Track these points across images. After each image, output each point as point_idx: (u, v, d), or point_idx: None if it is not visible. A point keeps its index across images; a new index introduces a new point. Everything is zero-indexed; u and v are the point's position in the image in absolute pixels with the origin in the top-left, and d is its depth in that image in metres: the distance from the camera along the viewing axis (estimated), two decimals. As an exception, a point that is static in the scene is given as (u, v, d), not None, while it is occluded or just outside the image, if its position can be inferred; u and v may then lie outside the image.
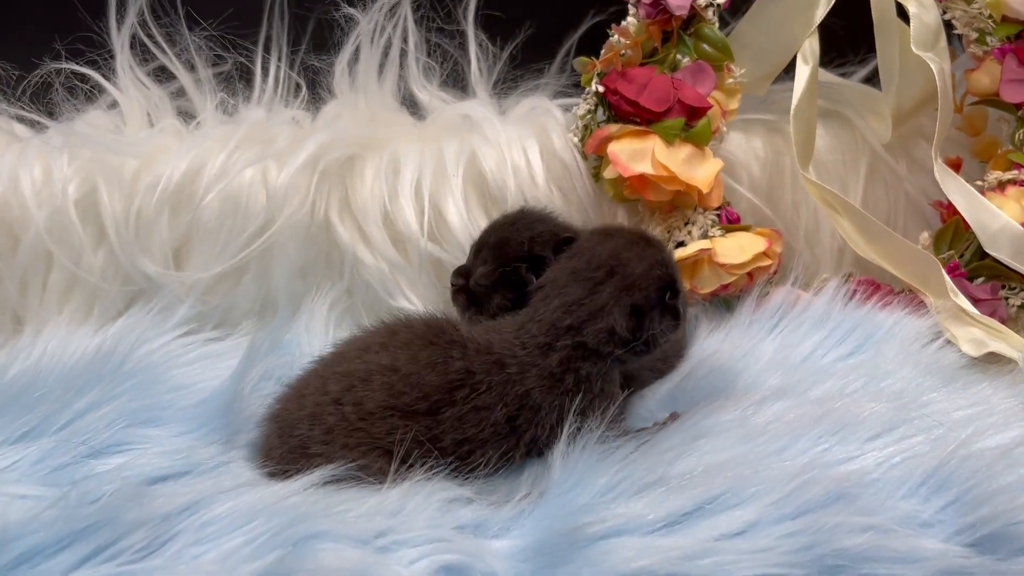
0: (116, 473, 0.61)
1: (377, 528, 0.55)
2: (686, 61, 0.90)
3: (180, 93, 0.94)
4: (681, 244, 0.89)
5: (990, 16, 0.91)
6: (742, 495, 0.56)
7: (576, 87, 0.96)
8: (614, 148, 0.87)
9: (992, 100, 0.94)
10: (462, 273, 0.78)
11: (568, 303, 0.66)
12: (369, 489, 0.59)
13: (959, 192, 0.86)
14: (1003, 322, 0.84)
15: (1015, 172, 0.90)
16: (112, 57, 0.89)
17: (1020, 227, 0.83)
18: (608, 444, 0.62)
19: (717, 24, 0.91)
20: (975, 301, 0.84)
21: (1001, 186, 0.89)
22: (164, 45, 0.90)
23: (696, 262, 0.88)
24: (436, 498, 0.58)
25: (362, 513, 0.56)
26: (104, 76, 0.90)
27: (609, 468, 0.59)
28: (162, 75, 0.92)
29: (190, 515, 0.56)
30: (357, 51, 0.93)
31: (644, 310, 0.65)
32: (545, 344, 0.66)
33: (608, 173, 0.90)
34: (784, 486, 0.56)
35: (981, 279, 0.87)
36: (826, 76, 1.05)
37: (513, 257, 0.75)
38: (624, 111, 0.89)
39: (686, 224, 0.90)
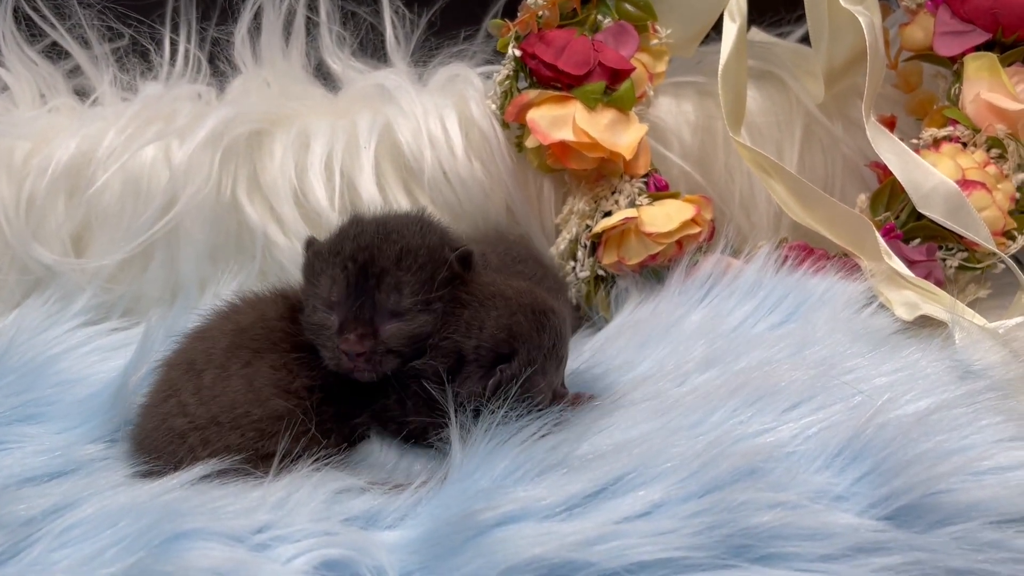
0: (-17, 475, 0.57)
1: (256, 524, 0.51)
2: (607, 22, 0.87)
3: (76, 71, 0.88)
4: (608, 214, 0.85)
5: (922, -33, 0.88)
6: (648, 474, 0.53)
7: (501, 54, 0.92)
8: (533, 115, 0.84)
9: (927, 55, 0.91)
10: (352, 326, 0.58)
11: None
12: (253, 482, 0.55)
13: (891, 151, 0.83)
14: (939, 284, 0.81)
15: (950, 128, 0.87)
16: (-6, 34, 0.84)
17: (954, 185, 0.80)
18: (514, 425, 0.58)
19: (639, -18, 0.88)
20: (910, 263, 0.81)
21: (936, 143, 0.86)
22: (53, 20, 0.85)
23: (623, 232, 0.84)
24: (324, 489, 0.54)
25: (241, 508, 0.52)
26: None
27: (511, 450, 0.55)
28: (54, 52, 0.87)
29: (56, 518, 0.52)
30: (259, 20, 0.88)
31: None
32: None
33: (530, 142, 0.86)
34: (692, 463, 0.53)
35: (917, 240, 0.84)
36: (759, 36, 1.01)
37: (435, 272, 0.61)
38: (543, 76, 0.85)
39: (613, 193, 0.86)
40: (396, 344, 0.59)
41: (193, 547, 0.48)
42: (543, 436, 0.56)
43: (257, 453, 0.58)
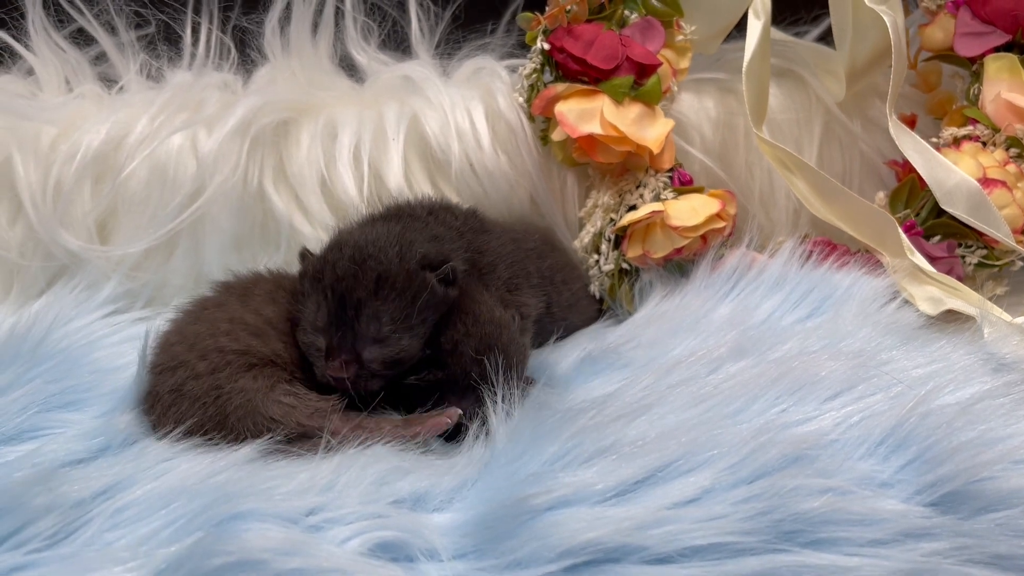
0: (27, 460, 0.56)
1: (308, 505, 0.51)
2: (634, 17, 0.87)
3: (101, 58, 0.88)
4: (633, 208, 0.86)
5: (943, -32, 0.89)
6: (696, 460, 0.54)
7: (524, 47, 0.92)
8: (561, 108, 0.84)
9: (946, 55, 0.92)
10: (335, 353, 0.61)
11: None
12: (300, 463, 0.56)
13: (914, 148, 0.84)
14: (960, 280, 0.82)
15: (970, 128, 0.88)
16: (23, 17, 0.83)
17: (975, 183, 0.81)
18: (557, 411, 0.59)
19: (666, -22, 0.88)
20: (932, 259, 0.82)
21: (956, 142, 0.88)
22: (81, 5, 0.84)
23: (648, 226, 0.85)
24: (372, 471, 0.55)
25: (292, 490, 0.52)
26: (15, 38, 0.84)
27: (559, 436, 0.56)
28: (80, 38, 0.87)
29: (105, 499, 0.52)
30: (289, 10, 0.88)
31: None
32: None
33: (556, 135, 0.86)
34: (740, 449, 0.53)
35: (937, 237, 0.85)
36: (779, 35, 1.02)
37: (416, 297, 0.62)
38: (571, 69, 0.85)
39: (638, 187, 0.87)
40: (378, 368, 0.61)
41: (250, 528, 0.48)
42: (590, 421, 0.57)
43: (252, 354, 0.61)
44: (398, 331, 0.61)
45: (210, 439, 0.59)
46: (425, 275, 0.63)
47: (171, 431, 0.60)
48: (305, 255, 0.67)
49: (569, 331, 0.83)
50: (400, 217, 0.70)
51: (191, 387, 0.61)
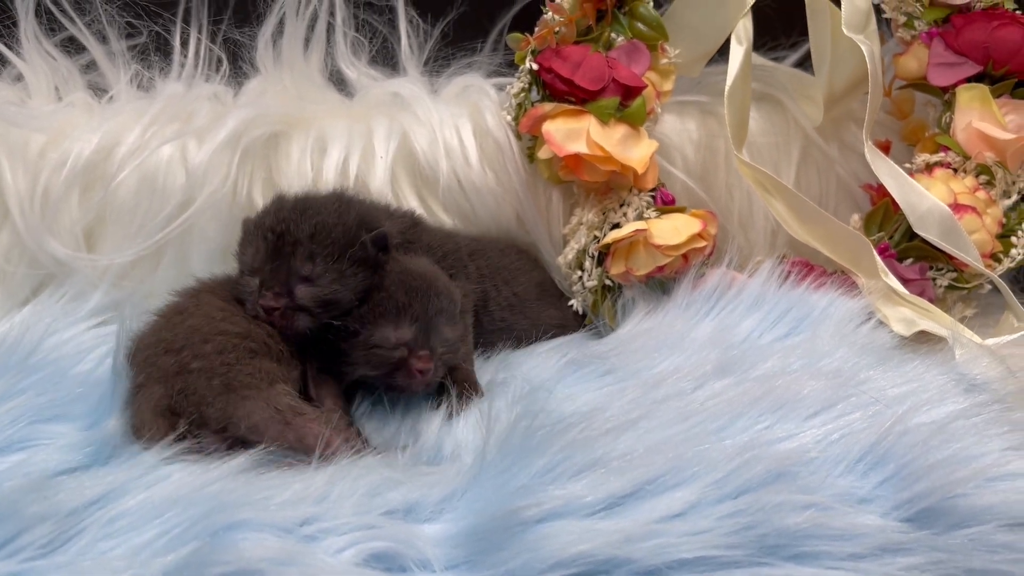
0: (18, 470, 0.57)
1: (302, 515, 0.52)
2: (620, 40, 0.89)
3: (91, 66, 0.88)
4: (616, 226, 0.88)
5: (918, 0, 0.92)
6: (683, 475, 0.55)
7: (511, 66, 0.94)
8: (548, 127, 0.86)
9: (919, 84, 0.95)
10: (268, 285, 0.66)
11: None
12: (293, 474, 0.56)
13: (889, 174, 0.87)
14: (931, 302, 0.85)
15: (942, 155, 0.91)
16: (15, 25, 0.84)
17: (947, 208, 0.84)
18: (546, 424, 0.60)
19: (651, 3, 0.90)
20: (905, 281, 0.84)
21: (929, 168, 0.90)
22: (73, 14, 0.85)
23: (632, 244, 0.86)
24: (364, 482, 0.56)
25: (285, 500, 0.53)
26: (7, 45, 0.84)
27: (548, 448, 0.57)
28: (71, 46, 0.87)
29: (98, 508, 0.52)
30: (282, 24, 0.89)
31: None
32: None
33: (543, 153, 0.88)
34: (725, 466, 0.55)
35: (910, 260, 0.87)
36: (759, 60, 1.05)
37: (349, 247, 0.68)
38: (558, 90, 0.87)
39: (621, 206, 0.89)
40: (307, 303, 0.66)
41: (246, 537, 0.49)
42: (579, 434, 0.58)
43: (252, 338, 0.65)
44: (329, 273, 0.66)
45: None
46: (361, 232, 0.68)
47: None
48: (246, 220, 0.72)
49: (519, 335, 0.85)
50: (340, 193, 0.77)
51: (198, 364, 0.63)
